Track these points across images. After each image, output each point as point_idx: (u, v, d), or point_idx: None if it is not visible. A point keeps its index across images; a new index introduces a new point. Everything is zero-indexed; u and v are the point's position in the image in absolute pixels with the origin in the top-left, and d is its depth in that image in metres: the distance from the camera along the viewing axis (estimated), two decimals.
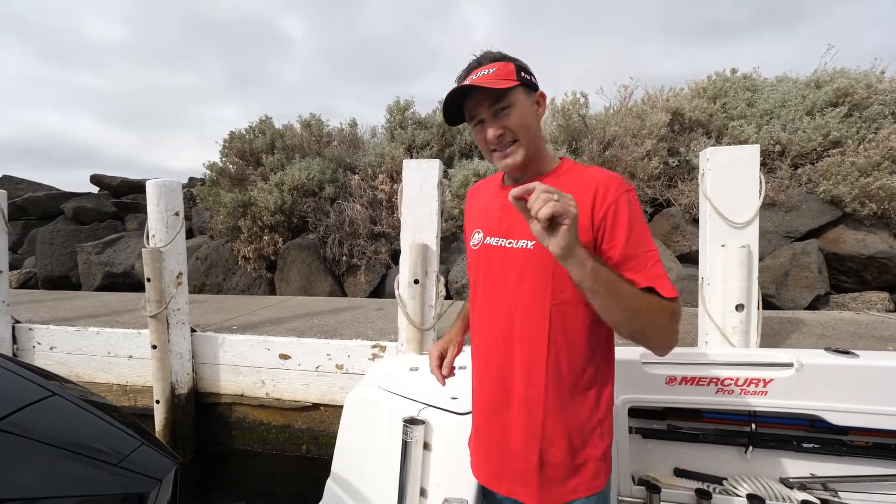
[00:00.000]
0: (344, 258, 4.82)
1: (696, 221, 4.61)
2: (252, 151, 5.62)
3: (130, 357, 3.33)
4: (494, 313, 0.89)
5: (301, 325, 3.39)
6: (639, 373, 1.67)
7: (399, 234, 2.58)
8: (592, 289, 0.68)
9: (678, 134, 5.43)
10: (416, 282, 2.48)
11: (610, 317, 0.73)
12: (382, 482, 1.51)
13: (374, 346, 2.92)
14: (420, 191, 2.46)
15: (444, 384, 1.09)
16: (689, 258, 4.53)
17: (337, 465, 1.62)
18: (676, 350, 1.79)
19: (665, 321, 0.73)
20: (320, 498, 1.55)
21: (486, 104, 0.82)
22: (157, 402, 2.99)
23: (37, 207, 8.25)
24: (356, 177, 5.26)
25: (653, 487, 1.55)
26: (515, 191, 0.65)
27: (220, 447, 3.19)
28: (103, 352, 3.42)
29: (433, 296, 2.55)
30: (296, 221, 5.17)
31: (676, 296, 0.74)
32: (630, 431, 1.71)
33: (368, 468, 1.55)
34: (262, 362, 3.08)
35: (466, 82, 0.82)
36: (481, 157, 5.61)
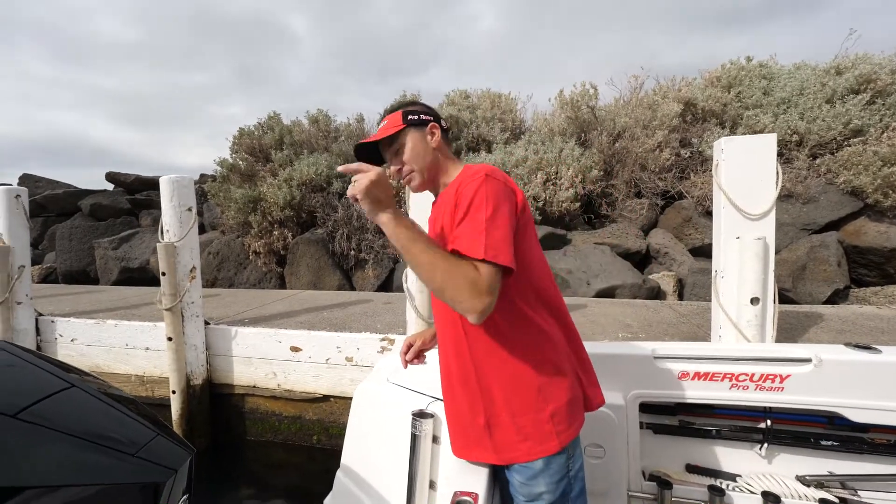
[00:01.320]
0: (352, 253, 4.85)
1: (709, 214, 4.52)
2: (261, 147, 5.65)
3: (147, 349, 3.41)
4: (436, 303, 1.05)
5: (311, 319, 3.42)
6: (650, 368, 1.65)
7: None
8: (396, 246, 0.83)
9: (690, 125, 5.32)
10: None
11: (414, 274, 0.92)
12: (391, 474, 1.51)
13: (382, 339, 2.93)
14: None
15: (405, 367, 1.28)
16: (702, 252, 4.45)
17: (346, 456, 1.63)
18: (689, 345, 1.76)
19: (460, 280, 0.79)
20: (330, 488, 1.56)
21: (386, 149, 1.03)
22: (174, 392, 3.05)
23: (56, 204, 8.45)
24: None
25: (664, 483, 1.53)
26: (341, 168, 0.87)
27: (234, 436, 3.25)
28: (121, 344, 3.51)
29: None
30: (304, 216, 5.20)
31: (483, 257, 0.80)
32: (641, 427, 1.68)
33: (378, 460, 1.56)
34: (273, 354, 3.13)
35: (368, 139, 1.03)
36: (489, 150, 5.57)
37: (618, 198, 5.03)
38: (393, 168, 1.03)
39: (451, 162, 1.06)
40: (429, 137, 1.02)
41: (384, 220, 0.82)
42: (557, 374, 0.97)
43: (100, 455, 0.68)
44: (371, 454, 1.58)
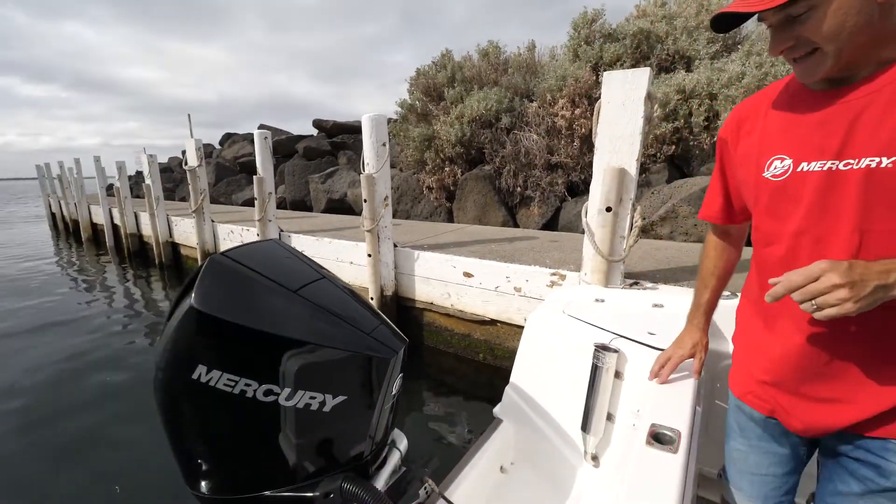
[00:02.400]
0: (518, 189, 4.84)
1: None
2: (435, 86, 5.92)
3: (352, 263, 4.20)
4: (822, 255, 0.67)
5: (480, 250, 3.63)
6: None
7: (577, 164, 2.40)
8: None
9: None
10: (609, 209, 2.31)
11: None
12: (562, 400, 1.55)
13: (553, 274, 2.93)
14: (622, 107, 2.19)
15: (662, 381, 1.09)
16: None
17: (516, 376, 1.70)
18: None
19: None
20: (495, 399, 1.68)
21: (771, 15, 0.63)
22: (372, 299, 3.73)
23: (281, 148, 10.73)
24: (533, 104, 5.04)
25: None
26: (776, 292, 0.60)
27: (415, 341, 3.84)
28: (333, 257, 4.40)
29: (626, 226, 2.35)
30: (473, 153, 5.37)
31: None
32: None
33: (549, 385, 1.59)
34: (448, 277, 3.47)
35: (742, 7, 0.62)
36: (688, 68, 4.62)
37: None
38: (774, 45, 0.66)
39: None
40: None
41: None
42: None
43: (346, 330, 0.82)
44: (542, 378, 1.62)
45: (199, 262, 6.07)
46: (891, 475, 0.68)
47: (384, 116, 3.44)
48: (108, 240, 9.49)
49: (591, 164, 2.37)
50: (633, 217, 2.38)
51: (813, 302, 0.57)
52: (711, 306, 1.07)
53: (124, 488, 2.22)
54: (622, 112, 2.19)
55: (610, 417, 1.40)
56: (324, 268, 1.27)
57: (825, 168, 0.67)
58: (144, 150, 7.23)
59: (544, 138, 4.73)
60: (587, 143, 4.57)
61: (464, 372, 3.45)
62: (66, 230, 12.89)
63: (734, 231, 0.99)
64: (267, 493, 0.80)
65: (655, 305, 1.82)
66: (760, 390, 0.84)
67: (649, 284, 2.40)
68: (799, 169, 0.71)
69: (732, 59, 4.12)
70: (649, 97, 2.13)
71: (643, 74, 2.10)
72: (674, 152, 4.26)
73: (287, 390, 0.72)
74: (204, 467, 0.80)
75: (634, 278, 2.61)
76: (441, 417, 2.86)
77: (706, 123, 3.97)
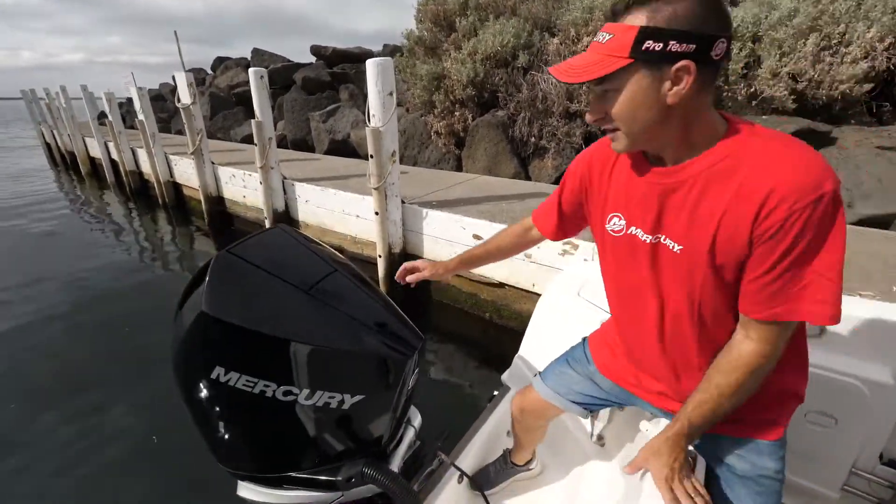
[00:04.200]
0: (532, 139, 4.55)
1: None
2: (445, 14, 5.30)
3: (358, 216, 4.09)
4: (640, 306, 0.85)
5: (491, 209, 3.50)
6: None
7: None
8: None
9: None
10: None
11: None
12: None
13: (565, 243, 2.84)
14: None
15: (402, 283, 1.19)
16: None
17: (526, 348, 1.72)
18: None
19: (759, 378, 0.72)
20: (506, 363, 1.71)
21: (592, 81, 0.66)
22: (380, 256, 3.68)
23: (278, 77, 10.00)
24: (555, 40, 4.53)
25: None
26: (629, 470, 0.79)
27: (423, 298, 3.87)
28: (339, 209, 4.28)
29: None
30: (486, 96, 4.96)
31: (822, 322, 0.63)
32: None
33: (553, 358, 1.64)
34: (456, 238, 3.39)
35: (567, 75, 0.68)
36: (733, 3, 4.05)
37: None
38: (588, 114, 0.72)
39: (699, 126, 0.67)
40: (667, 86, 0.62)
41: (688, 438, 0.77)
42: None
43: (362, 331, 0.81)
44: (552, 355, 1.64)
45: (204, 206, 5.98)
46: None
47: (390, 61, 3.11)
48: (109, 175, 9.29)
49: None
50: None
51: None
52: (470, 261, 1.21)
53: (161, 436, 2.37)
54: None
55: (621, 407, 1.47)
56: (335, 254, 1.20)
57: (646, 239, 0.77)
58: (133, 75, 6.76)
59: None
60: None
61: (470, 329, 3.52)
62: (65, 163, 12.60)
63: (540, 237, 1.13)
64: (292, 473, 0.84)
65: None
66: (612, 370, 1.04)
67: None
68: (631, 231, 0.80)
69: None
70: None
71: None
72: None
73: (306, 391, 0.72)
74: (229, 447, 0.83)
75: None
76: (449, 379, 2.97)
77: (744, 71, 3.57)
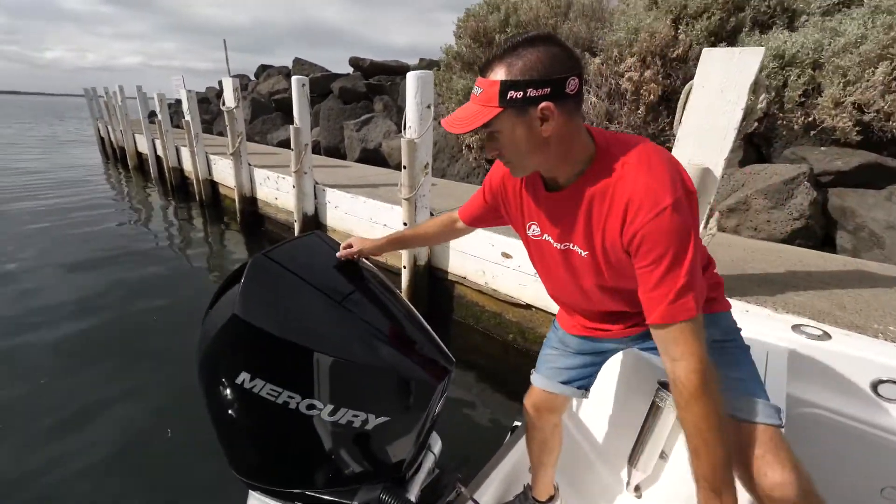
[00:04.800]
0: None
1: None
2: (485, 31, 5.33)
3: (385, 226, 4.08)
4: (566, 293, 1.02)
5: None
6: None
7: (638, 135, 2.07)
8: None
9: None
10: None
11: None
12: (606, 421, 1.51)
13: None
14: (720, 94, 1.83)
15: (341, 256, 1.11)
16: None
17: None
18: None
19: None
20: (523, 387, 1.64)
21: (481, 127, 0.77)
22: (404, 267, 3.64)
23: (316, 86, 10.32)
24: (596, 60, 4.46)
25: None
26: None
27: (445, 312, 3.79)
28: (367, 217, 4.29)
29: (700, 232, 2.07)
30: None
31: (690, 315, 0.74)
32: None
33: (594, 404, 1.54)
34: (485, 255, 3.31)
35: (451, 125, 0.79)
36: (790, 26, 3.89)
37: None
38: (487, 152, 0.83)
39: (576, 145, 0.79)
40: (538, 124, 0.73)
41: (714, 491, 0.73)
42: None
43: (391, 351, 0.79)
44: (595, 403, 1.55)
45: (238, 205, 6.14)
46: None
47: (430, 75, 3.11)
48: (153, 170, 9.75)
49: (653, 137, 2.06)
50: (707, 225, 2.10)
51: None
52: (398, 242, 1.25)
53: (176, 431, 2.37)
54: (718, 100, 1.84)
55: (663, 455, 1.35)
56: (369, 266, 1.17)
57: (557, 246, 0.91)
58: (183, 79, 7.09)
59: (604, 102, 4.23)
60: (652, 112, 4.05)
61: (492, 351, 3.40)
62: (115, 156, 13.33)
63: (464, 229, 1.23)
64: (306, 491, 0.81)
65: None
66: (572, 326, 1.14)
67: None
68: (545, 238, 0.93)
69: (852, 17, 3.37)
70: (757, 85, 1.76)
71: (754, 57, 1.72)
72: (756, 129, 3.71)
73: (330, 406, 0.71)
74: (246, 456, 0.82)
75: None
76: (469, 405, 2.85)
77: (802, 99, 3.38)
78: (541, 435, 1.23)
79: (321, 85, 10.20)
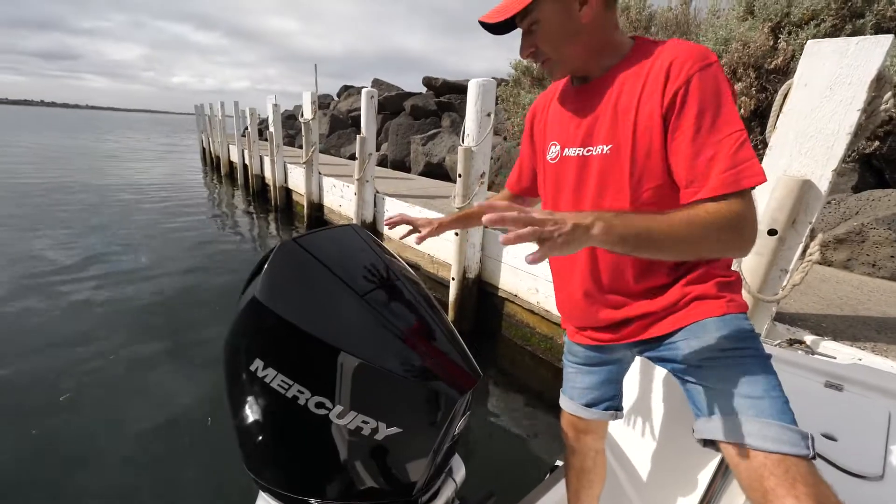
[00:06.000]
0: None
1: None
2: None
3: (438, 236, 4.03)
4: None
5: None
6: None
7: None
8: (624, 251, 0.62)
9: None
10: (773, 232, 1.72)
11: (668, 255, 0.69)
12: (663, 475, 1.34)
13: None
14: (828, 92, 1.53)
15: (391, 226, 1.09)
16: None
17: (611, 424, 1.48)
18: None
19: (727, 235, 0.65)
20: None
21: (519, 21, 0.78)
22: (453, 279, 3.54)
23: (390, 104, 10.86)
24: None
25: None
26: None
27: (492, 330, 3.61)
28: None
29: (793, 257, 1.74)
30: None
31: (759, 181, 0.65)
32: None
33: (652, 441, 1.38)
34: (539, 272, 3.10)
35: (489, 17, 0.79)
36: None
37: None
38: (523, 50, 0.81)
39: (612, 38, 0.79)
40: (576, 8, 0.74)
41: (597, 235, 0.59)
42: None
43: (411, 355, 0.72)
44: (641, 440, 1.39)
45: (306, 210, 6.53)
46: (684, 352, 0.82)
47: (493, 83, 3.05)
48: (240, 178, 10.79)
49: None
50: (807, 245, 1.75)
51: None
52: (465, 219, 1.12)
53: (215, 419, 2.44)
54: (826, 100, 1.53)
55: None
56: (403, 266, 1.10)
57: (579, 154, 0.83)
58: (276, 97, 7.79)
59: None
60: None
61: (540, 376, 3.14)
62: (212, 164, 15.04)
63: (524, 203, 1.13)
64: (313, 501, 0.76)
65: (831, 385, 1.30)
66: (579, 332, 1.02)
67: (822, 344, 1.77)
68: (565, 154, 0.87)
69: None
70: (881, 81, 1.44)
71: (877, 46, 1.41)
72: (875, 150, 3.11)
73: (339, 408, 0.66)
74: (255, 451, 0.79)
75: (787, 321, 1.98)
76: (506, 432, 2.62)
77: None
78: (579, 462, 1.13)
79: (394, 103, 10.70)
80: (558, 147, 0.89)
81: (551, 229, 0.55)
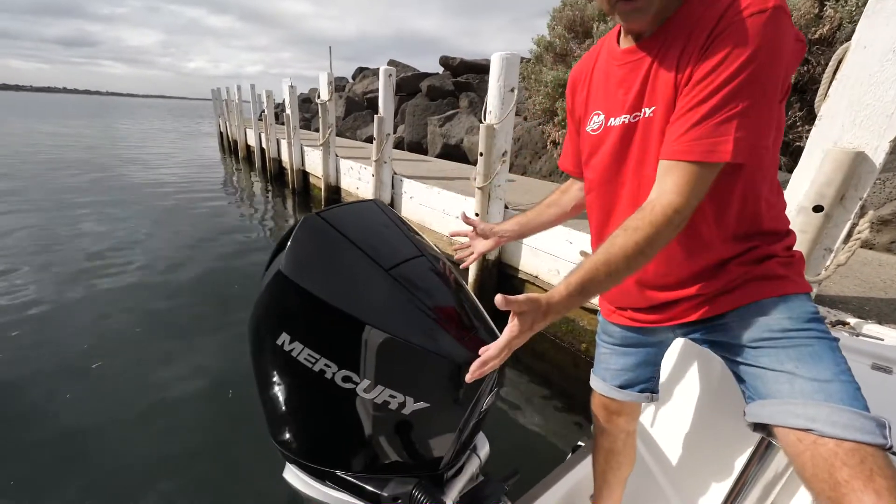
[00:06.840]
0: None
1: None
2: (582, 20, 5.00)
3: (457, 217, 3.98)
4: (615, 203, 0.85)
5: None
6: None
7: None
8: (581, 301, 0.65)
9: None
10: (819, 208, 1.62)
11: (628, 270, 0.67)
12: (692, 460, 1.31)
13: None
14: (892, 55, 1.41)
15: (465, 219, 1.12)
16: None
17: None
18: None
19: (666, 235, 0.65)
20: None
21: None
22: None
23: (406, 85, 10.70)
24: None
25: None
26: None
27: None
28: (440, 208, 4.24)
29: (839, 235, 1.64)
30: None
31: (720, 158, 0.62)
32: None
33: (678, 434, 1.35)
34: (561, 253, 3.04)
35: None
36: None
37: None
38: None
39: None
40: None
41: (556, 314, 0.62)
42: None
43: (438, 330, 0.71)
44: (672, 423, 1.36)
45: (323, 192, 6.54)
46: (736, 336, 0.78)
47: (517, 56, 2.94)
48: (257, 161, 10.86)
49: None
50: (855, 224, 1.65)
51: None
52: (531, 224, 1.09)
53: (236, 393, 2.50)
54: (890, 64, 1.41)
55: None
56: (425, 241, 1.07)
57: (624, 122, 0.77)
58: (291, 81, 7.75)
59: None
60: None
61: (560, 362, 3.11)
62: (230, 148, 15.18)
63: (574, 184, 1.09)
64: (339, 472, 0.78)
65: (878, 367, 1.23)
66: (618, 311, 0.98)
67: (866, 326, 1.69)
68: (609, 123, 0.80)
69: None
70: None
71: None
72: None
73: (366, 382, 0.66)
74: (282, 424, 0.80)
75: (828, 304, 1.89)
76: (528, 413, 2.61)
77: None
78: (609, 443, 1.11)
79: (410, 83, 10.53)
80: (602, 117, 0.83)
81: (502, 356, 0.61)
